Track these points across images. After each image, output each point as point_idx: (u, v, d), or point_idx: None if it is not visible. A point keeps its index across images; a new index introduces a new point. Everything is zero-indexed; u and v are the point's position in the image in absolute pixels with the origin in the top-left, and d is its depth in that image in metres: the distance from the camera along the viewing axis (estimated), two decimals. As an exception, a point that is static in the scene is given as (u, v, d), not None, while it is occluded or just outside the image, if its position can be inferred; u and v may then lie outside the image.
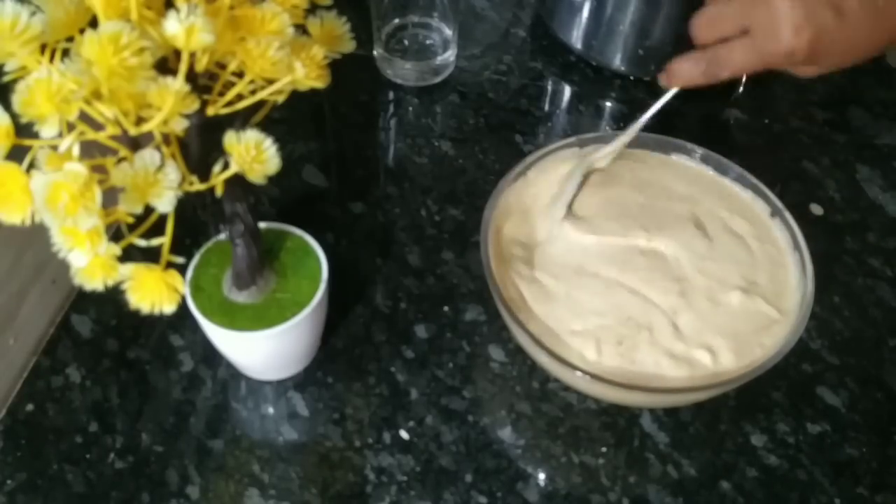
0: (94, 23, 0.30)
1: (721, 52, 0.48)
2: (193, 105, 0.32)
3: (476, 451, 0.50)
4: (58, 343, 0.53)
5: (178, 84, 0.31)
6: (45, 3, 0.30)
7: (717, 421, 0.51)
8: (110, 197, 0.33)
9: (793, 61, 0.47)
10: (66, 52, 0.31)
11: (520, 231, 0.52)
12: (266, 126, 0.36)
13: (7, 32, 0.29)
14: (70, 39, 0.31)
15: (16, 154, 0.32)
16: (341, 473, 0.49)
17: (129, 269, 0.35)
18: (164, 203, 0.33)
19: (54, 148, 0.32)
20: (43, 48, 0.30)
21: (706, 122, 0.69)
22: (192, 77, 0.33)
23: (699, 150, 0.55)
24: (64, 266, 0.33)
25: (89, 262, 0.33)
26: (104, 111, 0.32)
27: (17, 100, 0.29)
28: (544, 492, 0.48)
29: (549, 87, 0.72)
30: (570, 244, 0.51)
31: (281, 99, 0.36)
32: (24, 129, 0.31)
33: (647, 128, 0.53)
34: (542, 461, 0.50)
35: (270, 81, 0.35)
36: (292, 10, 0.35)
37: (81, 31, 0.30)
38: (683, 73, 0.50)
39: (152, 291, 0.36)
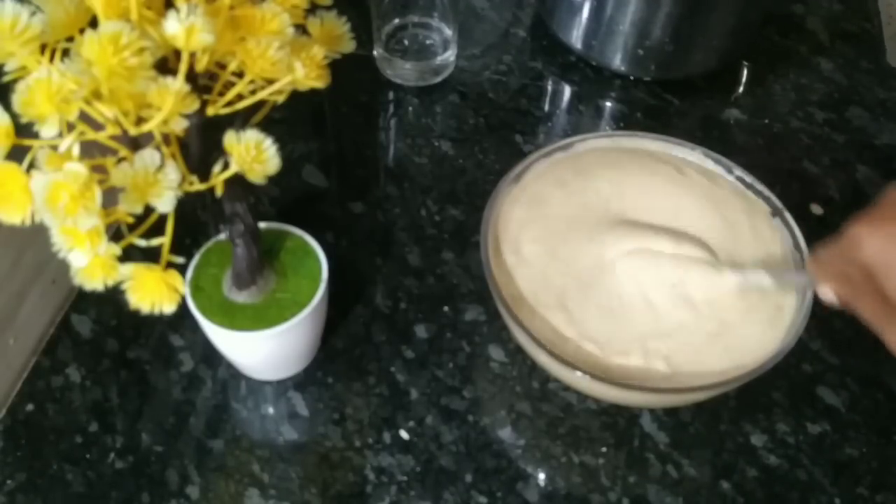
0: (94, 23, 0.30)
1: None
2: (193, 105, 0.32)
3: (476, 451, 0.50)
4: (58, 343, 0.53)
5: (178, 84, 0.31)
6: (45, 3, 0.30)
7: (717, 421, 0.51)
8: (110, 197, 0.33)
9: None
10: (66, 52, 0.31)
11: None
12: (266, 126, 0.36)
13: (7, 32, 0.29)
14: (70, 39, 0.31)
15: (16, 154, 0.32)
16: (341, 473, 0.49)
17: (129, 269, 0.35)
18: (164, 203, 0.33)
19: (54, 148, 0.32)
20: (43, 48, 0.30)
21: (706, 122, 0.69)
22: (192, 77, 0.33)
23: (699, 150, 0.55)
24: (64, 266, 0.33)
25: (89, 262, 0.33)
26: (104, 111, 0.32)
27: (17, 100, 0.30)
28: (544, 492, 0.48)
29: (549, 87, 0.72)
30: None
31: (281, 99, 0.36)
32: (24, 129, 0.31)
33: (647, 128, 0.53)
34: (542, 461, 0.50)
35: (270, 81, 0.35)
36: (292, 10, 0.35)
37: (81, 31, 0.30)
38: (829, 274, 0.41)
39: (152, 291, 0.36)
